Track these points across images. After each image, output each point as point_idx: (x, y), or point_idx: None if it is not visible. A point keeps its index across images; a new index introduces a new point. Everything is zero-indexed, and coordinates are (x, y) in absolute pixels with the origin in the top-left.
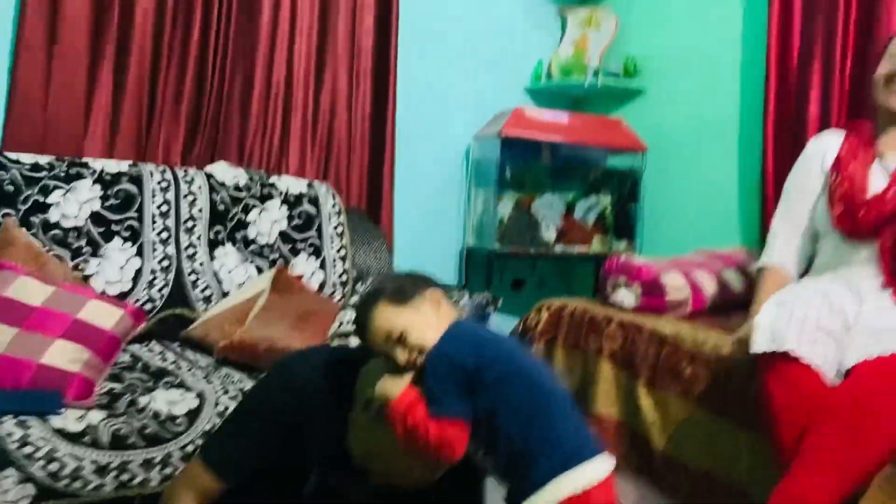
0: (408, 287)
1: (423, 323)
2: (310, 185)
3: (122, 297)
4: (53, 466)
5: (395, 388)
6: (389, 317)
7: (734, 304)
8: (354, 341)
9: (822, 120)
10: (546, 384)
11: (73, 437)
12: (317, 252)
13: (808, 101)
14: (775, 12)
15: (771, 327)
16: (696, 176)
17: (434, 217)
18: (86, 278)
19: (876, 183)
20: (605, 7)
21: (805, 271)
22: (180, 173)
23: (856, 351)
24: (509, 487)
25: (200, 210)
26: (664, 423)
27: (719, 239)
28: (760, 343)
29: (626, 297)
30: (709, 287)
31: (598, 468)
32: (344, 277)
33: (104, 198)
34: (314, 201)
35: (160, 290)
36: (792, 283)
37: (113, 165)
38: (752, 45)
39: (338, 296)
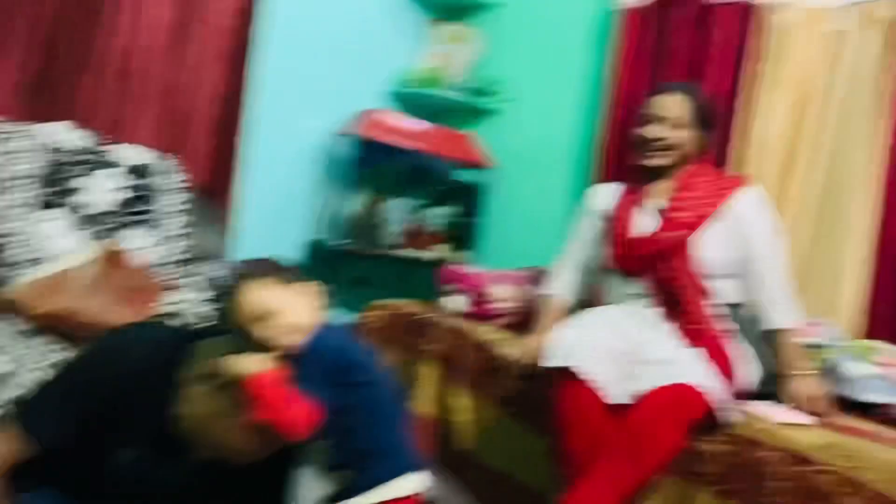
0: (293, 273)
1: (302, 308)
2: (153, 158)
3: None
4: None
5: (257, 365)
6: (271, 294)
7: None
8: (177, 322)
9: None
10: (398, 397)
11: None
12: (154, 227)
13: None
14: (615, 57)
15: (561, 346)
16: (533, 197)
17: (283, 207)
18: None
19: (645, 225)
20: (473, 26)
21: (587, 304)
22: (8, 127)
23: (645, 380)
24: (342, 479)
25: (27, 169)
26: (476, 424)
27: (553, 256)
28: (549, 359)
29: (456, 302)
30: (532, 300)
31: (423, 479)
32: (181, 256)
33: None
34: (156, 174)
35: None
36: (569, 311)
37: None
38: (592, 83)
39: (173, 275)
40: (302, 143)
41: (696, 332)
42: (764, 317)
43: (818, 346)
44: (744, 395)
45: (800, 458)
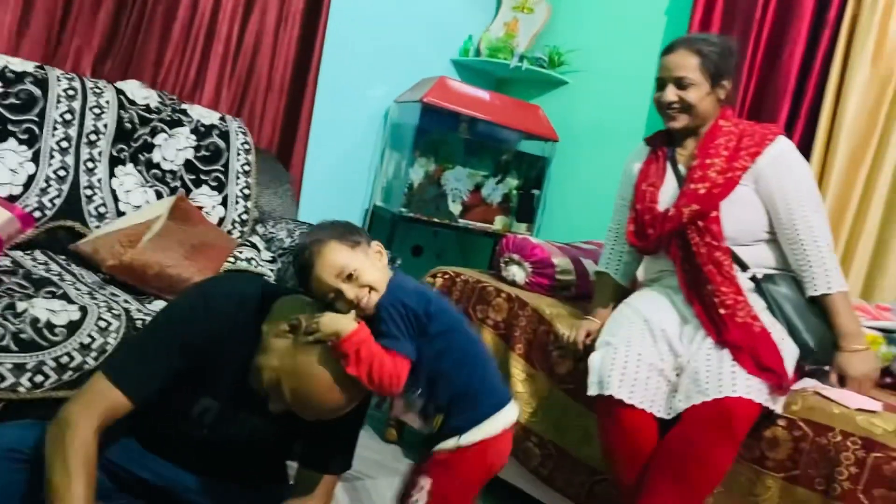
0: (361, 233)
1: (372, 266)
2: (222, 119)
3: (12, 200)
4: None
5: (347, 323)
6: (344, 255)
7: None
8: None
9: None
10: (478, 339)
11: None
12: (220, 186)
13: None
14: (695, 27)
15: (598, 371)
16: (598, 171)
17: (345, 172)
18: None
19: (668, 197)
20: None
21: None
22: (89, 84)
23: (683, 394)
24: (441, 423)
25: (106, 125)
26: (529, 395)
27: None
28: (590, 387)
29: (518, 273)
30: (593, 275)
31: (515, 411)
32: (245, 216)
33: (3, 95)
34: (224, 135)
35: (52, 199)
36: (619, 289)
37: (17, 64)
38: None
39: (235, 234)
40: (367, 110)
41: (729, 319)
42: (807, 283)
43: (890, 331)
44: (788, 378)
45: (875, 445)
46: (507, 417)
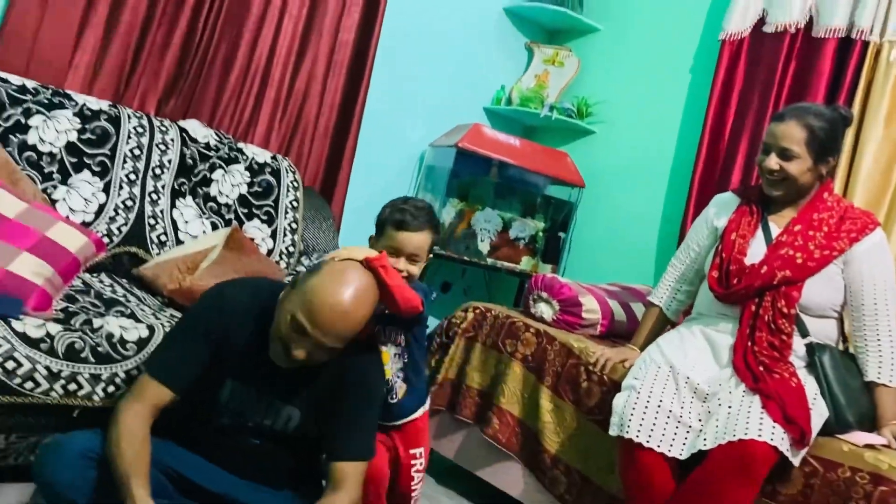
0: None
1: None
2: (273, 157)
3: (84, 226)
4: (10, 364)
5: (373, 251)
6: (420, 241)
7: None
8: None
9: (741, 186)
10: None
11: (32, 342)
12: (270, 220)
13: (732, 168)
14: (717, 87)
15: (620, 413)
16: (622, 217)
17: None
18: (52, 202)
19: (756, 252)
20: (570, 48)
21: (689, 307)
22: (156, 122)
23: (710, 434)
24: (404, 395)
25: (170, 160)
26: (557, 426)
27: (634, 276)
28: (612, 427)
29: (546, 310)
30: (618, 314)
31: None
32: (292, 249)
33: (81, 131)
34: (275, 173)
35: (119, 226)
36: (665, 325)
37: (94, 103)
38: (693, 111)
39: (283, 264)
40: (404, 153)
41: (771, 368)
42: (871, 368)
43: None
44: (810, 434)
45: (882, 479)
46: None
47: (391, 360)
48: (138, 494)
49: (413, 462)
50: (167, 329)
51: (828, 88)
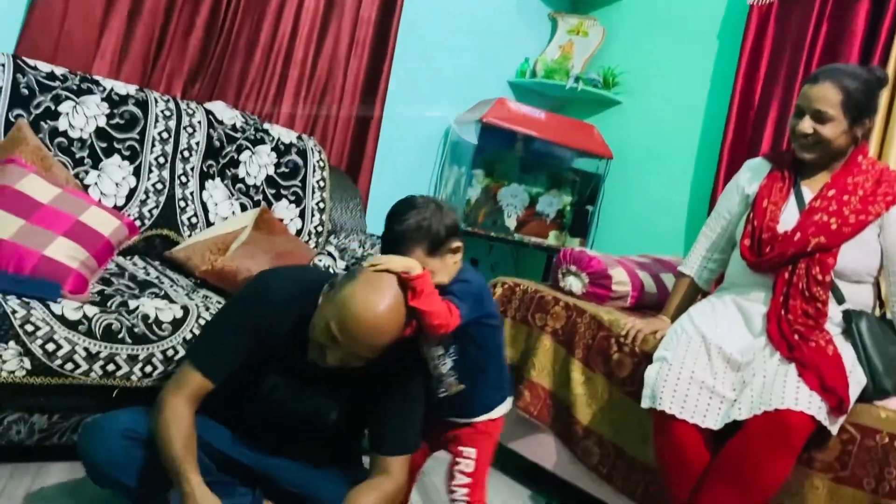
0: (439, 235)
1: (444, 268)
2: (299, 138)
3: (117, 210)
4: (50, 346)
5: (415, 264)
6: (421, 257)
7: None
8: None
9: (773, 150)
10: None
11: (70, 324)
12: (298, 200)
13: (762, 135)
14: (746, 53)
15: (652, 385)
16: (651, 188)
17: (408, 188)
18: (84, 187)
19: (788, 219)
20: (594, 17)
21: (721, 276)
22: (183, 105)
23: (746, 404)
24: (461, 393)
25: (198, 143)
26: (588, 398)
27: (664, 247)
28: (644, 399)
29: (575, 284)
30: (648, 286)
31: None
32: (320, 228)
33: (110, 116)
34: (302, 153)
35: (150, 210)
36: (697, 294)
37: (122, 87)
38: (721, 79)
39: (312, 244)
40: (429, 129)
41: (807, 336)
42: None
43: None
44: (848, 402)
45: None
46: (505, 408)
47: (437, 357)
48: (194, 480)
49: (458, 460)
50: (200, 308)
51: (861, 50)
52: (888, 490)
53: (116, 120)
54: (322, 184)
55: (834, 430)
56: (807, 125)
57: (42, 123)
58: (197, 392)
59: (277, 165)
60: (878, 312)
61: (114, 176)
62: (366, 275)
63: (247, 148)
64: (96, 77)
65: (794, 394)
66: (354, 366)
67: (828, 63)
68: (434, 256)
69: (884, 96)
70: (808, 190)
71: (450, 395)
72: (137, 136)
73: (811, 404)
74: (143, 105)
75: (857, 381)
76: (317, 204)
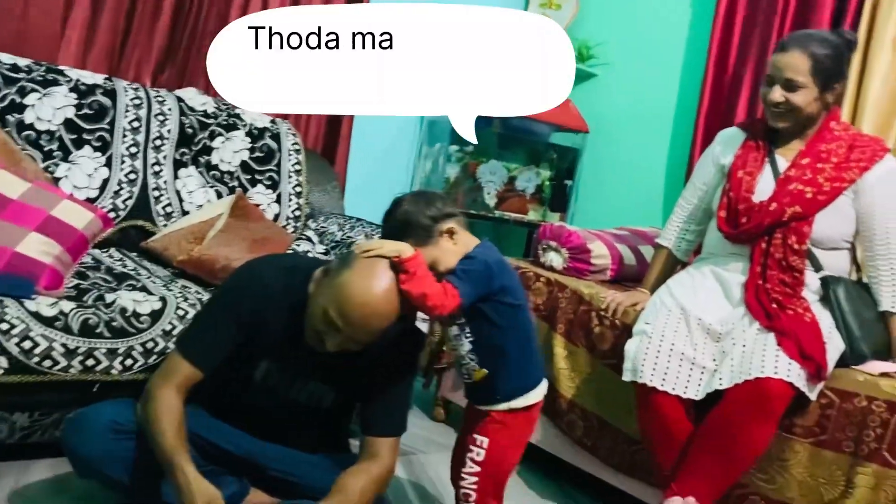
0: (424, 225)
1: (444, 253)
2: (272, 122)
3: (90, 202)
4: (27, 344)
5: (407, 247)
6: (416, 244)
7: None
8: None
9: (747, 119)
10: (532, 322)
11: (46, 321)
12: (274, 185)
13: (737, 102)
14: (719, 20)
15: (633, 358)
16: (629, 160)
17: (385, 169)
18: (55, 181)
19: (764, 188)
20: None
21: (699, 247)
22: (153, 93)
23: (727, 374)
24: (484, 380)
25: (169, 130)
26: (571, 372)
27: (643, 219)
28: (625, 373)
29: (555, 259)
30: (627, 258)
31: (545, 386)
32: (298, 213)
33: (78, 107)
34: (276, 137)
35: (124, 200)
36: (675, 266)
37: (89, 77)
38: (694, 47)
39: (290, 229)
40: None
41: (785, 304)
42: (885, 297)
43: None
44: (826, 369)
45: None
46: (545, 387)
47: (453, 338)
48: (190, 471)
49: (471, 447)
50: (179, 299)
51: (833, 13)
52: (867, 452)
53: (85, 111)
54: (298, 168)
55: (813, 396)
56: (777, 94)
57: (8, 117)
58: (186, 382)
59: (252, 151)
60: (854, 277)
61: (85, 168)
62: (360, 262)
63: (220, 134)
64: (62, 67)
65: (773, 362)
66: (353, 350)
67: (800, 26)
68: (428, 245)
69: (856, 60)
70: (783, 158)
71: (474, 382)
72: (107, 127)
73: (790, 372)
74: (111, 94)
75: (835, 346)
76: (293, 188)
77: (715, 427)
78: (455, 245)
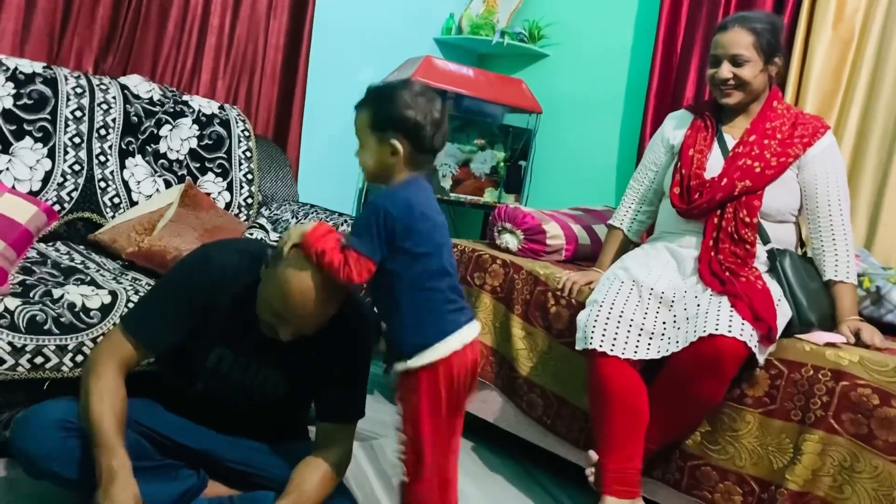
0: (390, 116)
1: (371, 154)
2: (221, 108)
3: (33, 195)
4: None
5: (308, 226)
6: (358, 124)
7: None
8: None
9: (695, 100)
10: (446, 266)
11: None
12: (224, 173)
13: (685, 82)
14: (666, 4)
15: (584, 327)
16: (581, 139)
17: (339, 154)
18: None
19: (714, 165)
20: None
21: (651, 228)
22: (95, 81)
23: (682, 336)
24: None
25: (114, 119)
26: (529, 351)
27: (597, 199)
28: (577, 342)
29: (511, 240)
30: (582, 238)
31: (472, 330)
32: (250, 200)
33: (17, 96)
34: (225, 123)
35: (69, 192)
36: (628, 246)
37: (27, 65)
38: (644, 27)
39: (242, 217)
40: (357, 92)
41: (737, 273)
42: (828, 267)
43: (861, 275)
44: (776, 331)
45: (843, 375)
46: (458, 339)
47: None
48: (124, 459)
49: (396, 415)
50: (129, 292)
51: None
52: (813, 420)
53: (24, 100)
54: (248, 154)
55: (761, 359)
56: (726, 70)
57: None
58: (128, 361)
59: (200, 138)
60: (800, 252)
61: (26, 160)
62: (285, 257)
63: (167, 122)
64: None
65: (727, 321)
66: (309, 335)
67: (744, 8)
68: (373, 134)
69: (798, 40)
70: (730, 136)
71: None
72: (48, 117)
73: (743, 332)
74: (51, 83)
75: (783, 313)
76: (244, 175)
77: (667, 382)
78: (386, 162)
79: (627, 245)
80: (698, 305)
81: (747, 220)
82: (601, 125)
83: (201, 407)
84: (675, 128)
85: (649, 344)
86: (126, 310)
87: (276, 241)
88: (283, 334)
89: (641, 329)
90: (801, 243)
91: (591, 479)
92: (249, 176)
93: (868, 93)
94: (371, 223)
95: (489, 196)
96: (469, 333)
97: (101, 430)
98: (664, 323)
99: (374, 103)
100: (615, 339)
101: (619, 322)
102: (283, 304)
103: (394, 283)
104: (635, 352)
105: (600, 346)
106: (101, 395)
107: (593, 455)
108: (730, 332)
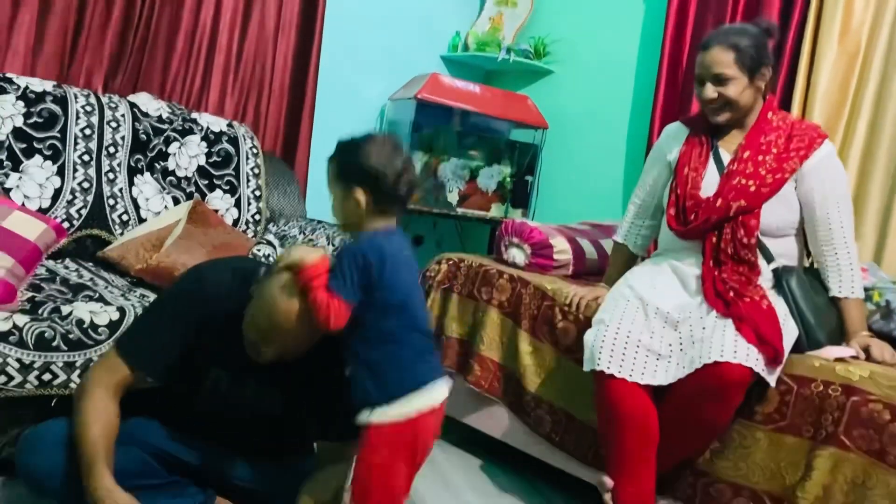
0: (352, 168)
1: (340, 206)
2: (229, 125)
3: (43, 213)
4: None
5: (307, 255)
6: (328, 176)
7: None
8: None
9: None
10: (420, 320)
11: None
12: (232, 190)
13: (691, 95)
14: (672, 11)
15: (591, 348)
16: (588, 154)
17: None
18: (5, 191)
19: (710, 183)
20: None
21: (656, 241)
22: (105, 99)
23: (687, 360)
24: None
25: (123, 137)
26: (537, 367)
27: (604, 213)
28: (585, 363)
29: (518, 255)
30: (589, 252)
31: (437, 394)
32: (258, 217)
33: (27, 115)
34: (233, 141)
35: (78, 210)
36: (634, 261)
37: (38, 84)
38: (650, 41)
39: (250, 233)
40: (364, 109)
41: (742, 293)
42: (833, 283)
43: (871, 289)
44: (783, 354)
45: (854, 390)
46: (422, 401)
47: None
48: (109, 481)
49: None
50: (137, 309)
51: (781, 9)
52: (825, 436)
53: (34, 119)
54: (256, 171)
55: (772, 381)
56: (710, 91)
57: None
58: (123, 384)
59: (209, 155)
60: (806, 262)
61: (36, 177)
62: (275, 273)
63: (175, 139)
64: (9, 75)
65: (732, 347)
66: (288, 359)
67: (751, 18)
68: (339, 183)
69: (805, 53)
70: (726, 152)
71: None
72: (58, 135)
73: (749, 357)
74: (61, 101)
75: (790, 332)
76: (252, 192)
77: (672, 407)
78: (354, 212)
79: (632, 260)
80: (703, 328)
81: (745, 240)
82: (607, 140)
83: (207, 425)
84: (671, 143)
85: (656, 366)
86: None
87: (277, 256)
88: (263, 354)
89: (649, 350)
90: (808, 252)
91: None
92: (257, 192)
93: (875, 106)
94: (348, 267)
95: (496, 211)
96: (434, 396)
97: (85, 453)
98: (670, 345)
99: (339, 156)
100: (622, 360)
101: (626, 343)
102: (268, 322)
103: (358, 332)
104: (642, 374)
105: (608, 367)
106: (88, 416)
107: (608, 481)
108: (735, 357)
